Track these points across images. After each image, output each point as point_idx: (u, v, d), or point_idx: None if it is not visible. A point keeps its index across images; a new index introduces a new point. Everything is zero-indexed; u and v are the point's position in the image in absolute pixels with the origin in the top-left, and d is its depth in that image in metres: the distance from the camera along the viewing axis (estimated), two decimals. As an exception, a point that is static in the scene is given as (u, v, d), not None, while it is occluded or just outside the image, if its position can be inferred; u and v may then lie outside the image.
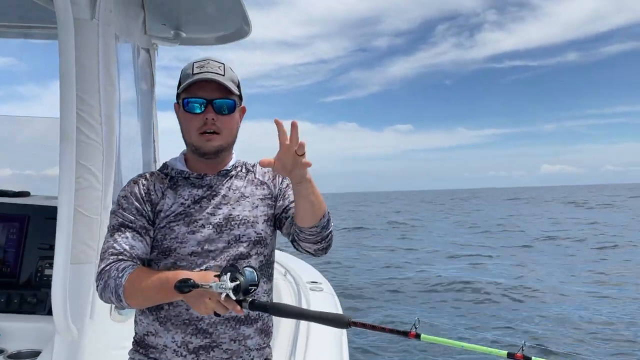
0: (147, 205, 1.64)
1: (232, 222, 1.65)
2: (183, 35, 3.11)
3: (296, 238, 1.70)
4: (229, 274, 1.31)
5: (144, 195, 1.65)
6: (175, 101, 1.71)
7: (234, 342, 1.62)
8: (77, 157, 1.95)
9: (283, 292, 3.76)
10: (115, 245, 1.57)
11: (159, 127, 3.06)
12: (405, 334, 1.51)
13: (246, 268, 1.36)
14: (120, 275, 1.50)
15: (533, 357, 1.55)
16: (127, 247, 1.57)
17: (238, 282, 1.30)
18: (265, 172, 1.81)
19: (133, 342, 1.72)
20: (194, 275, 1.36)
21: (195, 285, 1.29)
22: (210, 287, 1.29)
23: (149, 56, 2.90)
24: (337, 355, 2.57)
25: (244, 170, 1.79)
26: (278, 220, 1.77)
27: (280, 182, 1.81)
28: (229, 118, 1.67)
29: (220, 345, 1.60)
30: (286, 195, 1.78)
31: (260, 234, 1.69)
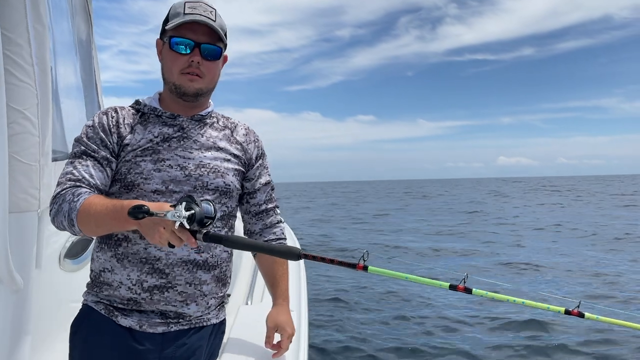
0: (113, 137, 1.61)
1: (202, 169, 1.63)
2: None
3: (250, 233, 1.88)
4: (184, 203, 1.28)
5: (112, 126, 1.62)
6: (159, 37, 1.68)
7: (189, 286, 1.62)
8: (8, 100, 1.84)
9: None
10: (74, 171, 1.55)
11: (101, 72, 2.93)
12: (353, 266, 1.54)
13: (203, 200, 1.34)
14: (75, 199, 1.46)
15: (474, 289, 1.60)
16: (86, 175, 1.54)
17: (193, 212, 1.28)
18: (245, 134, 1.80)
19: (88, 283, 1.69)
20: (150, 204, 1.31)
21: (150, 213, 1.26)
22: (165, 215, 1.26)
23: (85, -5, 2.74)
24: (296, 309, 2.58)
25: (220, 123, 1.78)
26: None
27: (256, 153, 1.81)
28: (213, 64, 1.66)
29: (175, 287, 1.59)
30: (255, 176, 1.80)
31: (229, 185, 1.68)
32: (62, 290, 2.39)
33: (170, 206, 1.30)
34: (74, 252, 2.53)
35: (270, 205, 1.85)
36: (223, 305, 1.82)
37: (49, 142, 2.08)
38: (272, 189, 1.87)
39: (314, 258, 1.50)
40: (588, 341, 5.78)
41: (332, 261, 1.52)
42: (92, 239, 2.69)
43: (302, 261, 3.42)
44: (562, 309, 1.74)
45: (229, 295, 1.88)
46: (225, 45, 1.70)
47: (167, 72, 1.66)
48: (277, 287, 1.84)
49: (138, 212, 1.26)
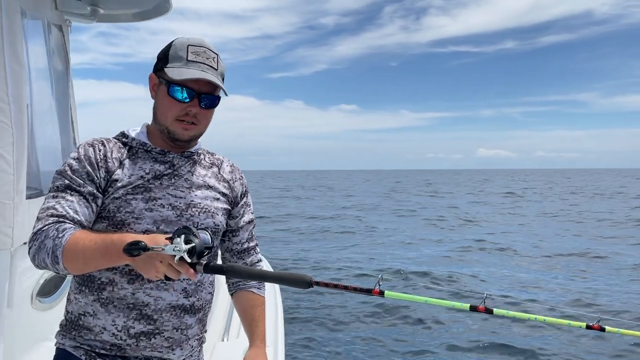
0: (100, 171, 1.52)
1: (194, 209, 1.59)
2: (100, 12, 2.97)
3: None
4: (183, 236, 1.22)
5: (99, 160, 1.53)
6: (154, 71, 1.61)
7: (176, 331, 1.57)
8: None
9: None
10: (57, 206, 1.45)
11: (86, 93, 2.93)
12: (369, 291, 1.48)
13: (200, 230, 1.29)
14: (60, 235, 1.38)
15: (494, 309, 1.58)
16: (70, 211, 1.45)
17: (193, 245, 1.23)
18: (231, 172, 1.77)
19: (62, 324, 1.61)
20: (144, 238, 1.26)
21: (147, 248, 1.21)
22: (163, 249, 1.22)
23: (62, 34, 2.76)
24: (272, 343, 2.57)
25: (207, 160, 1.74)
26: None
27: (241, 191, 1.79)
28: (210, 112, 1.62)
29: (163, 333, 1.54)
30: (239, 214, 1.78)
31: (218, 225, 1.66)
32: (34, 329, 2.34)
33: (166, 238, 1.26)
34: (46, 290, 2.49)
35: (251, 244, 1.83)
36: (202, 345, 1.80)
37: (23, 180, 2.08)
38: (254, 227, 1.86)
39: (327, 285, 1.41)
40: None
41: (345, 288, 1.45)
42: (65, 276, 2.66)
43: (278, 293, 3.42)
44: (584, 324, 1.75)
45: (205, 332, 1.87)
46: (224, 93, 1.64)
47: (161, 115, 1.59)
48: (255, 329, 1.81)
49: (134, 250, 1.21)
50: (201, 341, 1.76)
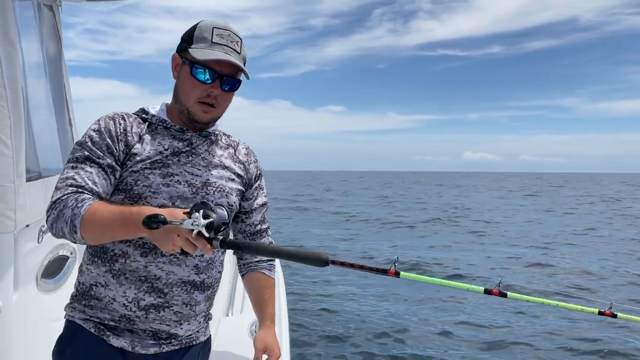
0: (120, 144, 1.54)
1: (209, 187, 1.61)
2: (90, -9, 2.93)
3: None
4: (201, 211, 1.24)
5: (119, 133, 1.55)
6: (177, 52, 1.62)
7: (185, 306, 1.59)
8: None
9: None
10: (76, 177, 1.47)
11: (72, 90, 2.92)
12: (384, 272, 1.50)
13: (217, 206, 1.30)
14: (79, 205, 1.39)
15: (509, 293, 1.61)
16: (89, 182, 1.47)
17: (211, 220, 1.24)
18: (246, 154, 1.79)
19: (73, 295, 1.63)
20: (162, 211, 1.26)
21: (165, 222, 1.21)
22: (181, 223, 1.22)
23: (53, 14, 2.73)
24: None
25: (224, 141, 1.76)
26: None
27: (255, 173, 1.80)
28: (230, 95, 1.63)
29: (172, 307, 1.57)
30: (253, 197, 1.80)
31: (232, 205, 1.68)
32: (40, 310, 2.37)
33: (184, 213, 1.26)
34: (50, 272, 2.52)
35: (264, 226, 1.86)
36: (208, 322, 1.82)
37: (22, 163, 2.08)
38: (266, 210, 1.88)
39: (342, 264, 1.42)
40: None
41: (362, 267, 1.47)
42: (68, 256, 2.68)
43: (279, 268, 3.46)
44: (596, 310, 1.78)
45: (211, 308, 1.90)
46: (246, 76, 1.65)
47: (183, 95, 1.60)
48: (265, 309, 1.86)
49: (153, 222, 1.21)
50: (208, 318, 1.79)
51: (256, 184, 1.81)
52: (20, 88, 2.08)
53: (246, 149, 1.81)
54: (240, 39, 1.62)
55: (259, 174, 1.83)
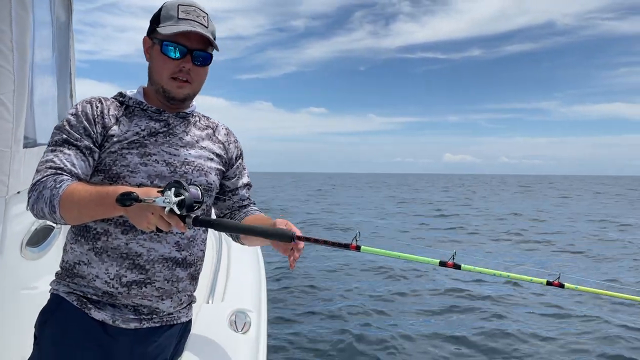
0: (97, 127, 1.58)
1: (187, 166, 1.65)
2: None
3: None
4: (173, 189, 1.28)
5: (96, 116, 1.59)
6: (147, 35, 1.66)
7: (167, 282, 1.62)
8: None
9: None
10: (55, 159, 1.51)
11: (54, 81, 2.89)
12: (346, 246, 1.54)
13: (191, 185, 1.34)
14: (57, 186, 1.44)
15: (462, 265, 1.65)
16: (67, 164, 1.51)
17: (182, 198, 1.28)
18: (226, 134, 1.83)
19: (58, 273, 1.66)
20: (137, 190, 1.31)
21: (138, 199, 1.26)
22: (154, 201, 1.27)
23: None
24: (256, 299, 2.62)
25: (202, 122, 1.79)
26: (220, 189, 1.82)
27: (236, 153, 1.83)
28: (203, 70, 1.66)
29: (154, 283, 1.60)
30: (235, 175, 1.83)
31: (211, 184, 1.71)
32: (22, 278, 2.36)
33: (158, 191, 1.30)
34: (35, 240, 2.50)
35: (250, 201, 1.90)
36: (191, 304, 1.84)
37: (21, 129, 2.07)
38: (250, 188, 1.92)
39: (307, 239, 1.50)
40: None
41: (325, 242, 1.52)
42: (53, 227, 2.67)
43: (260, 257, 3.47)
44: (544, 281, 1.84)
45: (195, 290, 1.90)
46: (216, 48, 1.69)
47: (156, 74, 1.64)
48: (264, 219, 1.77)
49: (126, 199, 1.25)
50: (191, 299, 1.81)
51: (237, 163, 1.85)
52: (28, 53, 2.07)
53: (226, 129, 1.85)
54: (207, 14, 1.65)
55: (240, 153, 1.87)
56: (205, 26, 1.62)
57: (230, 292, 2.60)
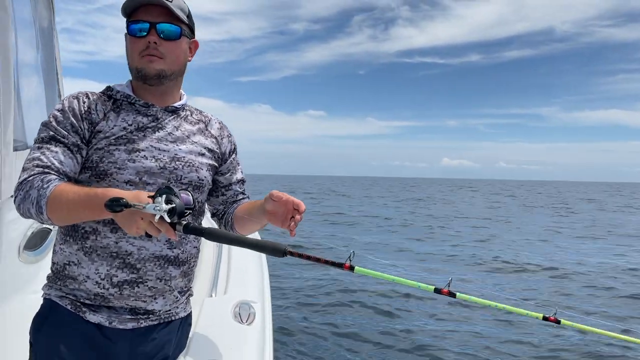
0: (84, 123, 1.54)
1: (177, 162, 1.59)
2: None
3: (219, 218, 1.83)
4: (164, 196, 1.24)
5: (83, 112, 1.55)
6: (125, 31, 1.64)
7: (160, 281, 1.59)
8: None
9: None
10: (42, 157, 1.47)
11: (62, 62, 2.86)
12: (340, 265, 1.51)
13: (182, 191, 1.32)
14: (44, 186, 1.40)
15: (458, 293, 1.64)
16: (55, 162, 1.47)
17: (173, 205, 1.24)
18: (219, 129, 1.78)
19: (49, 276, 1.63)
20: (127, 194, 1.28)
21: (128, 205, 1.23)
22: (144, 207, 1.23)
23: (47, -19, 2.66)
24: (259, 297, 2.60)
25: (194, 117, 1.74)
26: (213, 185, 1.78)
27: (229, 148, 1.79)
28: (174, 44, 1.60)
29: (146, 282, 1.56)
30: (229, 171, 1.79)
31: (202, 180, 1.66)
32: (20, 281, 2.34)
33: (148, 197, 1.27)
34: (32, 244, 2.48)
35: (245, 196, 1.86)
36: (189, 298, 1.82)
37: (10, 132, 2.04)
38: (244, 184, 1.88)
39: (300, 256, 1.45)
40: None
41: (318, 260, 1.48)
42: (51, 229, 2.64)
43: (263, 258, 3.45)
44: (540, 315, 1.83)
45: (191, 285, 1.88)
46: (190, 27, 1.66)
47: (129, 58, 1.61)
48: (253, 203, 1.74)
49: (116, 206, 1.22)
50: (188, 294, 1.77)
51: (231, 159, 1.80)
52: (11, 55, 2.03)
53: (219, 123, 1.80)
54: None
55: (233, 148, 1.82)
56: (169, 0, 1.57)
57: (233, 284, 2.60)
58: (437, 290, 1.62)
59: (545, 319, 1.82)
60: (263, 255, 3.35)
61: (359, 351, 5.31)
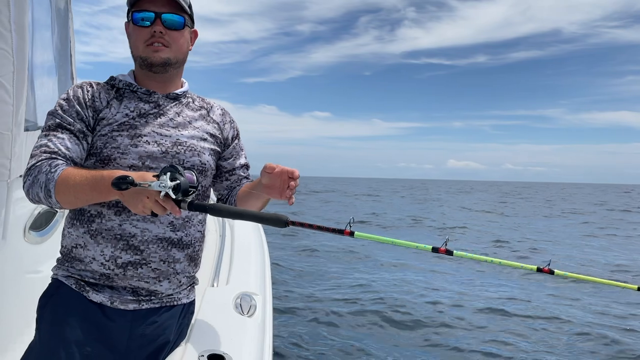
0: (89, 110, 1.61)
1: (179, 147, 1.64)
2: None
3: (224, 202, 1.85)
4: (168, 173, 1.29)
5: (87, 100, 1.61)
6: (126, 20, 1.68)
7: (163, 263, 1.63)
8: None
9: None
10: (49, 144, 1.53)
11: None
12: (340, 232, 1.55)
13: (186, 170, 1.35)
14: (52, 170, 1.46)
15: (455, 251, 1.67)
16: (62, 148, 1.53)
17: (178, 182, 1.29)
18: (221, 114, 1.82)
19: (58, 259, 1.68)
20: (132, 174, 1.31)
21: (134, 183, 1.26)
22: (149, 185, 1.27)
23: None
24: (260, 286, 2.60)
25: (196, 103, 1.79)
26: (217, 170, 1.82)
27: (232, 134, 1.83)
28: (178, 34, 1.66)
29: (150, 264, 1.60)
30: (232, 156, 1.83)
31: (205, 164, 1.70)
32: (25, 262, 2.35)
33: (153, 176, 1.31)
34: (38, 224, 2.49)
35: (249, 180, 1.89)
36: (193, 286, 1.84)
37: (22, 112, 2.04)
38: (249, 169, 1.92)
39: (302, 225, 1.50)
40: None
41: (319, 228, 1.52)
42: (56, 211, 2.65)
43: (264, 240, 3.47)
44: (535, 267, 1.87)
45: (196, 272, 1.89)
46: (191, 17, 1.70)
47: (134, 47, 1.66)
48: (253, 183, 1.78)
49: (122, 183, 1.25)
50: (192, 280, 1.81)
51: (233, 144, 1.84)
52: (27, 35, 2.03)
53: (221, 109, 1.85)
54: None
55: (236, 134, 1.86)
56: None
57: (235, 275, 2.60)
58: (435, 250, 1.65)
59: (539, 270, 1.86)
60: (266, 247, 3.36)
61: (361, 348, 5.35)
